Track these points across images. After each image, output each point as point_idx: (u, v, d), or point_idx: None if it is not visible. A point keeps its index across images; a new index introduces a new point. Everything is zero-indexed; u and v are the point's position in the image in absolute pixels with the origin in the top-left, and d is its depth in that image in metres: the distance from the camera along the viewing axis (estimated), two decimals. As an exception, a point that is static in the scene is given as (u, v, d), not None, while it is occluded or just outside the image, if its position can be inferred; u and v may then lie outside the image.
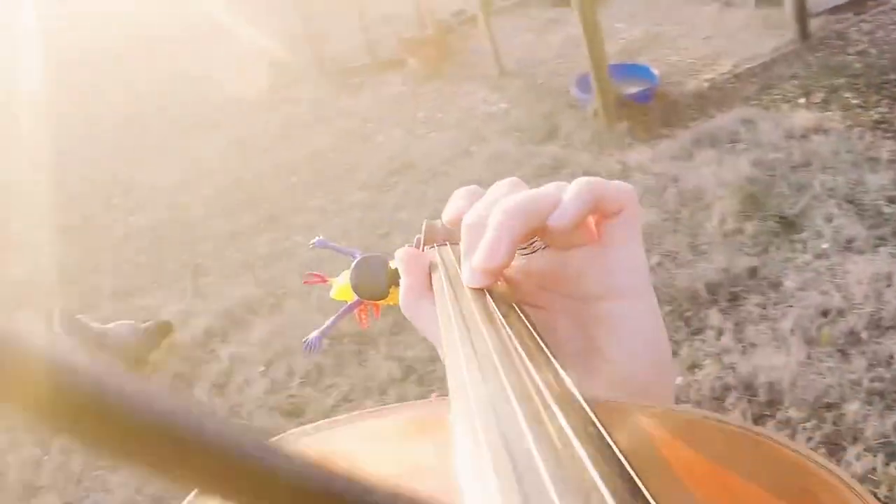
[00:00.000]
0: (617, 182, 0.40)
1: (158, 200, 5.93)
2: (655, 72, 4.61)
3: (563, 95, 4.93)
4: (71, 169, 7.30)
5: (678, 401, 2.55)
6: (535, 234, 0.41)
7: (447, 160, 4.66)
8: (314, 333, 0.72)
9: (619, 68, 4.53)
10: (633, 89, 4.50)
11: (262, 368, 3.48)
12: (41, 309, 4.97)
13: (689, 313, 2.89)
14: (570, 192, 0.38)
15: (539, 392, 0.27)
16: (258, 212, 5.00)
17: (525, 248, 0.44)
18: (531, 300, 0.45)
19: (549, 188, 0.40)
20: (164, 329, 3.85)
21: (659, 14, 5.84)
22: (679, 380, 2.61)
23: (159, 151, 6.87)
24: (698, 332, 2.80)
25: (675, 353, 2.74)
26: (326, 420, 0.34)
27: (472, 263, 0.39)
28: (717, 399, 2.51)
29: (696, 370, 2.64)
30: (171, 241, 5.17)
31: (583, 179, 0.39)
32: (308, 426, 0.33)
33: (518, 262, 0.44)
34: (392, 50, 6.55)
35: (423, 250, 0.53)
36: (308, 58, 6.99)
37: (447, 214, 0.45)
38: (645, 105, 4.44)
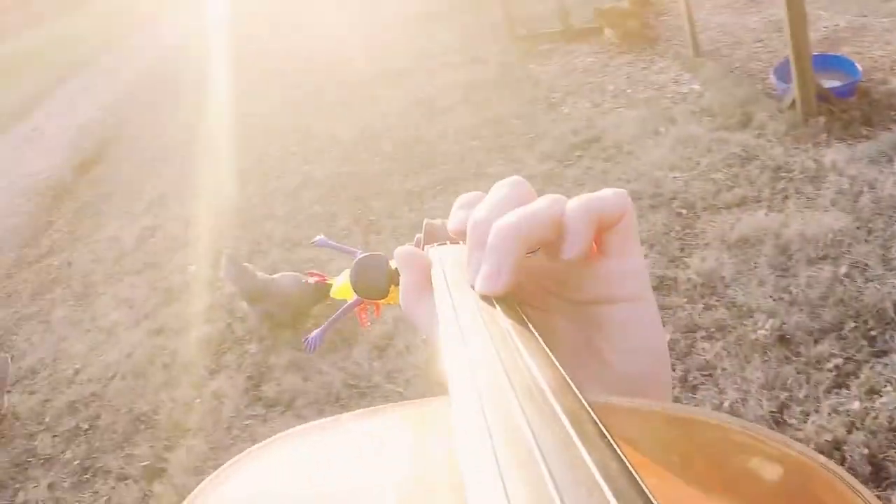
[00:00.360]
0: (611, 192, 0.39)
1: (336, 152, 6.06)
2: (859, 66, 4.38)
3: (759, 82, 4.77)
4: (251, 115, 7.53)
5: (850, 427, 2.45)
6: (536, 250, 0.42)
7: (634, 138, 4.57)
8: (314, 333, 0.76)
9: (819, 59, 4.32)
10: (833, 83, 4.30)
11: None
12: (209, 252, 5.17)
13: (873, 332, 2.77)
14: (574, 220, 0.38)
15: (540, 391, 0.27)
16: (435, 173, 5.04)
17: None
18: (531, 300, 0.45)
19: (545, 204, 0.39)
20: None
21: (865, 4, 5.54)
22: (856, 405, 2.50)
23: (340, 105, 7.00)
24: (882, 354, 2.68)
25: (854, 374, 2.63)
26: (328, 419, 0.34)
27: (475, 288, 0.39)
28: (893, 431, 2.40)
29: (875, 396, 2.53)
30: (346, 194, 5.27)
31: (582, 203, 0.38)
32: (306, 425, 0.34)
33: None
34: (585, 19, 6.47)
35: (423, 249, 0.53)
36: (498, 20, 6.97)
37: (452, 224, 0.45)
38: (845, 101, 4.23)
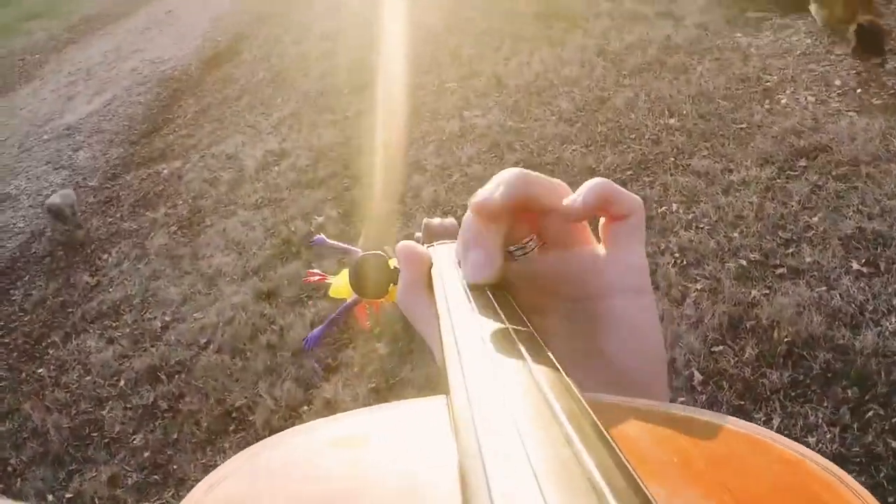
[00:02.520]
0: (629, 192, 0.40)
1: (502, 99, 5.50)
2: None
3: None
4: (405, 34, 6.91)
5: None
6: (533, 230, 0.43)
7: (872, 159, 3.81)
8: (313, 332, 0.83)
9: None
10: None
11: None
12: (342, 202, 4.66)
13: None
14: (585, 186, 0.39)
15: (537, 389, 0.27)
16: (625, 152, 4.40)
17: (519, 250, 0.43)
18: (529, 302, 0.43)
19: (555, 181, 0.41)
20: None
21: None
22: None
23: (509, 39, 6.35)
24: None
25: None
26: (322, 419, 0.33)
27: (466, 280, 0.40)
28: None
29: None
30: (513, 157, 4.76)
31: (599, 179, 0.40)
32: (303, 425, 0.32)
33: (515, 266, 0.43)
34: (806, -11, 5.64)
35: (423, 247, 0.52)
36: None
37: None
38: None
